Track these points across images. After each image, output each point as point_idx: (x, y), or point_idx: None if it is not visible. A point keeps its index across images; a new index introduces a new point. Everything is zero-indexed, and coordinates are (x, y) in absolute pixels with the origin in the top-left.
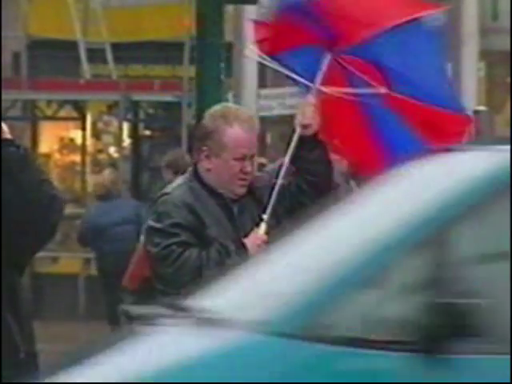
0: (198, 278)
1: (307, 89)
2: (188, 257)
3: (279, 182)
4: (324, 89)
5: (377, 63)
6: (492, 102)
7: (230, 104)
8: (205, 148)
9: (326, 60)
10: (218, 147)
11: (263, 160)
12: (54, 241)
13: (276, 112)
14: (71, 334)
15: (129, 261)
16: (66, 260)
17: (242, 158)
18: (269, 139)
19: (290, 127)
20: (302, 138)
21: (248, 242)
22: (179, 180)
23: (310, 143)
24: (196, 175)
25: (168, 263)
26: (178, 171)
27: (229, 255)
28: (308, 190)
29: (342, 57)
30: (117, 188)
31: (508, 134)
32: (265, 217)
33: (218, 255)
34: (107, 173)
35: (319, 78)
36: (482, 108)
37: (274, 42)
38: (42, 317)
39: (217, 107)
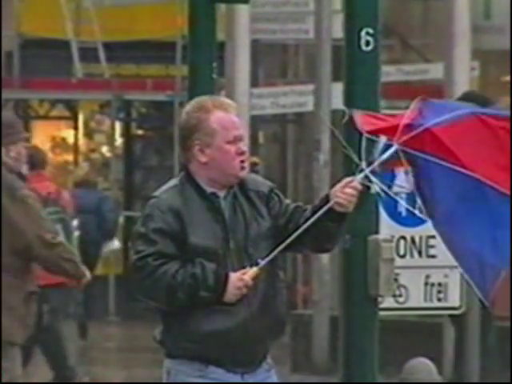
0: (170, 296)
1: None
2: (163, 273)
3: (288, 241)
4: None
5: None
6: None
7: (202, 96)
8: (196, 142)
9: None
10: (208, 136)
11: (256, 159)
12: None
13: (268, 111)
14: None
15: (90, 249)
16: None
17: (234, 141)
18: (261, 138)
19: (282, 127)
20: (330, 208)
21: (232, 278)
22: (172, 182)
23: (337, 215)
24: (188, 177)
25: (143, 275)
26: None
27: (204, 283)
28: (310, 248)
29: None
30: (92, 179)
31: None
32: (261, 262)
33: (194, 281)
34: (84, 165)
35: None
36: None
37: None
38: None
39: (190, 104)
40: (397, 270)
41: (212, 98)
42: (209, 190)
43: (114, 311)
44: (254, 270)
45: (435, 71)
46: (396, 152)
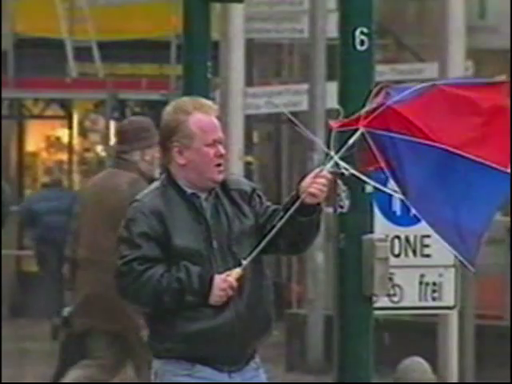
0: (157, 301)
1: None
2: (148, 278)
3: (267, 239)
4: None
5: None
6: None
7: (183, 98)
8: (175, 144)
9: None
10: (187, 138)
11: (250, 158)
12: None
13: (263, 110)
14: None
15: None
16: None
17: (213, 144)
18: (255, 137)
19: (277, 126)
20: (302, 203)
21: (216, 281)
22: (154, 185)
23: (308, 208)
24: (169, 179)
25: (128, 280)
26: None
27: (190, 287)
28: (283, 248)
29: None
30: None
31: None
32: (244, 262)
33: (179, 285)
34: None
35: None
36: None
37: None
38: (28, 315)
39: (171, 105)
40: (391, 270)
41: (193, 99)
42: (189, 191)
43: None
44: (237, 270)
45: (429, 71)
46: (363, 135)
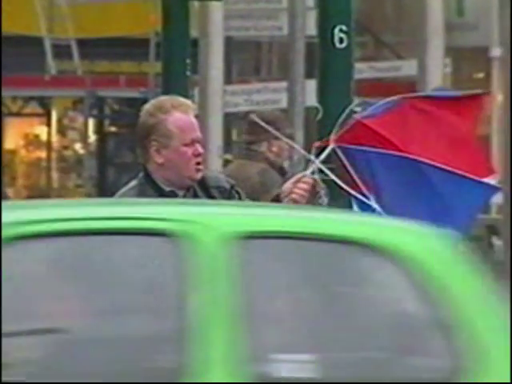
0: None
1: None
2: None
3: None
4: None
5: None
6: None
7: (162, 96)
8: (153, 143)
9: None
10: (165, 137)
11: (229, 156)
12: None
13: (242, 108)
14: None
15: None
16: None
17: (192, 143)
18: (234, 135)
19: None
20: None
21: None
22: (131, 184)
23: None
24: (147, 177)
25: None
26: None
27: None
28: None
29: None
30: None
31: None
32: None
33: None
34: None
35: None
36: None
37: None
38: None
39: (150, 103)
40: None
41: (172, 98)
42: (167, 188)
43: None
44: None
45: (408, 68)
46: (334, 151)
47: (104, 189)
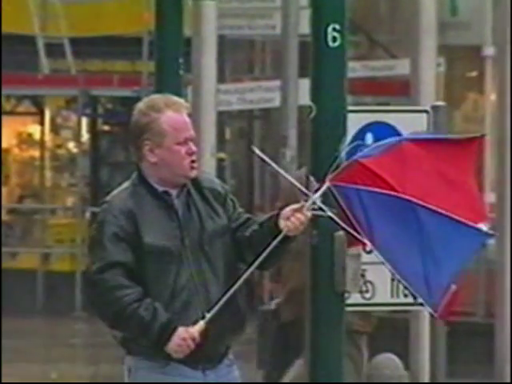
0: (115, 323)
1: None
2: (115, 300)
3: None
4: None
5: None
6: (451, 97)
7: (155, 95)
8: (146, 142)
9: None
10: (158, 136)
11: (222, 155)
12: (13, 236)
13: (235, 107)
14: (30, 329)
15: None
16: (24, 255)
17: (185, 141)
18: (228, 134)
19: (249, 122)
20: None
21: (179, 330)
22: (124, 185)
23: (284, 237)
24: (140, 177)
25: (97, 291)
26: None
27: (148, 331)
28: (241, 258)
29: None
30: None
31: (466, 129)
32: (207, 315)
33: (140, 324)
34: None
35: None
36: (440, 103)
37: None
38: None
39: (142, 102)
40: (363, 266)
41: (165, 97)
42: (160, 188)
43: (81, 307)
44: (201, 323)
45: (401, 67)
46: (330, 190)
47: (97, 188)
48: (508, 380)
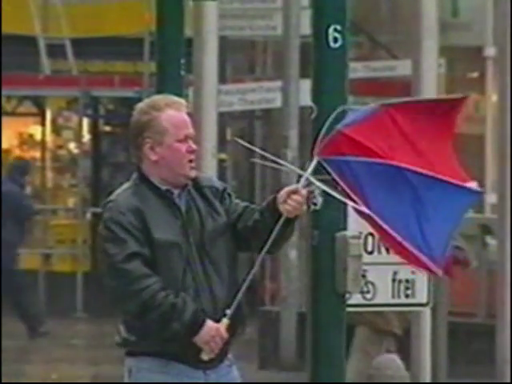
0: (142, 314)
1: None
2: (144, 289)
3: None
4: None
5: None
6: None
7: (155, 96)
8: (146, 140)
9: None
10: (159, 134)
11: (223, 155)
12: None
13: (236, 107)
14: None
15: None
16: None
17: (185, 139)
18: (228, 135)
19: (250, 123)
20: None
21: (208, 325)
22: (125, 186)
23: (286, 219)
24: (142, 177)
25: (125, 281)
26: None
27: (181, 316)
28: (257, 250)
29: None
30: None
31: (465, 129)
32: (228, 312)
33: (172, 310)
34: None
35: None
36: None
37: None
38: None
39: (143, 102)
40: (364, 267)
41: (165, 96)
42: (163, 187)
43: (82, 308)
44: (226, 321)
45: (403, 68)
46: (320, 163)
47: (98, 188)
48: (508, 380)
